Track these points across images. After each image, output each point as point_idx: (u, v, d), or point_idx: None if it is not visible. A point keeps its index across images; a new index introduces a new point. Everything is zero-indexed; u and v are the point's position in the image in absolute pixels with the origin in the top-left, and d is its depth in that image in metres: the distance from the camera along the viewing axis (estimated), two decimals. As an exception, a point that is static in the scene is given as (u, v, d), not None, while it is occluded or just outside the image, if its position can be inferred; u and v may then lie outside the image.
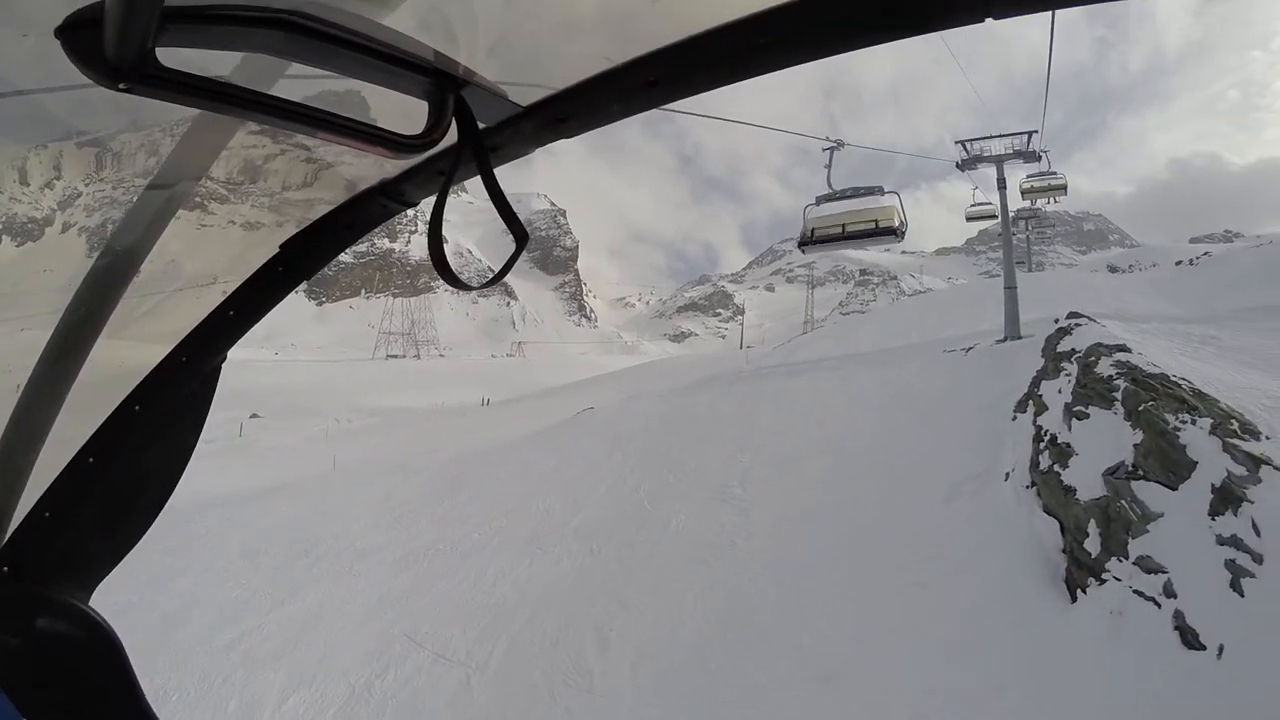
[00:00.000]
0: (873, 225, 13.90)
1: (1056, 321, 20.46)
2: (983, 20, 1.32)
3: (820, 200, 14.73)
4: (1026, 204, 40.63)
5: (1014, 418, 16.23)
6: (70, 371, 2.06)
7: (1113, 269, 71.80)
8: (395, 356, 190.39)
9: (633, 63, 1.61)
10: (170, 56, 1.13)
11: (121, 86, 1.09)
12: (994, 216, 29.44)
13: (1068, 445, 12.31)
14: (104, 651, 2.08)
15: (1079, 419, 12.66)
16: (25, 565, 2.02)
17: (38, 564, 2.04)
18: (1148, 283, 36.17)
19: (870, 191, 14.26)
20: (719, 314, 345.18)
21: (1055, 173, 35.69)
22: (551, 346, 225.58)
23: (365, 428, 63.03)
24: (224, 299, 2.17)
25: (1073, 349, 15.49)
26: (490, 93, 1.66)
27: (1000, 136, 28.28)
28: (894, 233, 13.86)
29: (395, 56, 1.46)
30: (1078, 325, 18.16)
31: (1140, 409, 10.31)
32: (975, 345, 24.16)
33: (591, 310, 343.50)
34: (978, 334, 27.68)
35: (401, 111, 1.57)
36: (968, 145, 28.75)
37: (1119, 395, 11.60)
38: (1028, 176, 35.40)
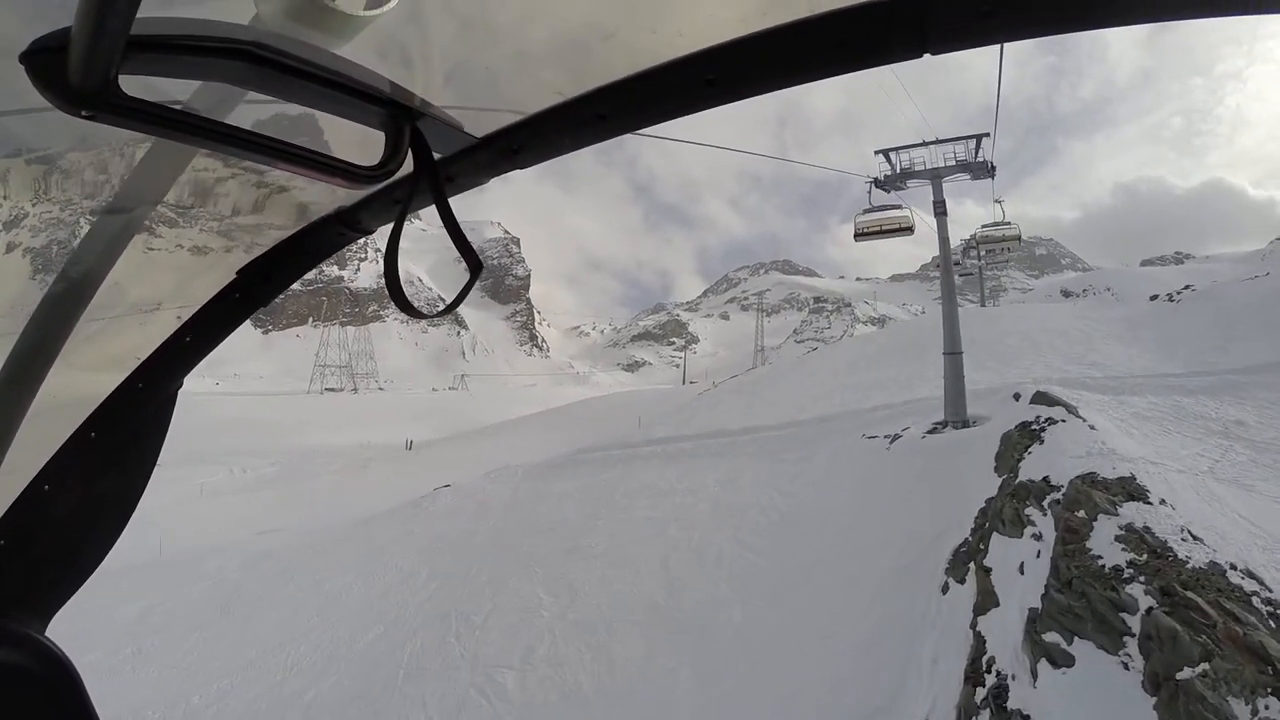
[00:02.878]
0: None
1: (1016, 399, 15.65)
2: (920, 56, 1.38)
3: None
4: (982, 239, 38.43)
5: (944, 588, 10.58)
6: (23, 400, 1.97)
7: (1066, 293, 69.85)
8: (333, 390, 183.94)
9: (584, 96, 1.65)
10: (130, 81, 1.13)
11: (84, 114, 1.10)
12: (900, 229, 21.79)
13: (1027, 721, 6.54)
14: (61, 682, 2.02)
15: (1055, 664, 6.86)
16: None
17: None
18: (1124, 324, 30.02)
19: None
20: (673, 343, 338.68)
21: (1009, 222, 34.63)
22: (494, 378, 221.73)
23: (256, 480, 59.28)
24: (180, 325, 2.18)
25: (1045, 479, 9.79)
26: (446, 124, 1.68)
27: (940, 143, 21.47)
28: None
29: (353, 88, 1.47)
30: (1050, 421, 11.93)
31: (1181, 682, 5.33)
32: (905, 430, 18.19)
33: (543, 340, 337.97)
34: (912, 404, 21.92)
35: (359, 140, 1.59)
36: (892, 156, 21.93)
37: (1136, 624, 6.32)
38: (982, 227, 34.00)
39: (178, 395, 2.21)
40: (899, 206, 21.38)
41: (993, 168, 21.10)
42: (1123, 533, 7.43)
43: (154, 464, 2.18)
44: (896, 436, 17.53)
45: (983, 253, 43.61)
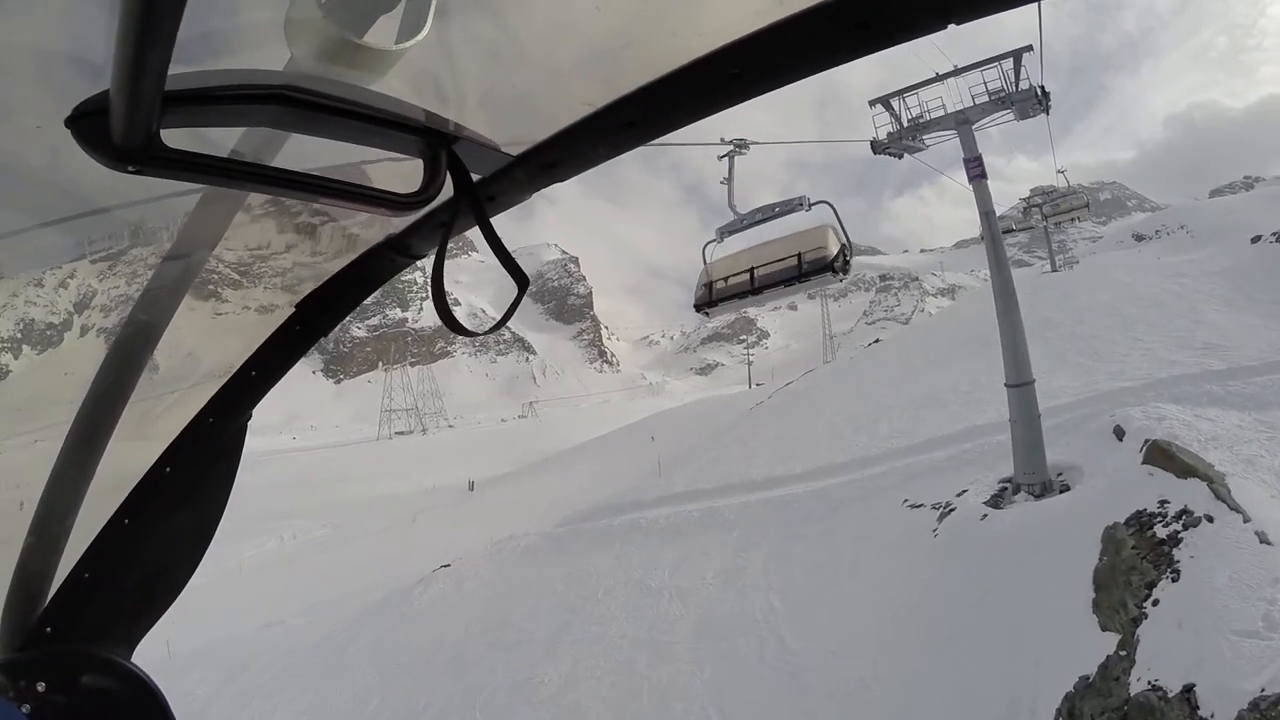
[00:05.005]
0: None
1: (1119, 437, 11.32)
2: (945, 27, 1.34)
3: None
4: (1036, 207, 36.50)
5: None
6: (100, 441, 2.02)
7: (1139, 237, 65.91)
8: (403, 433, 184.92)
9: (612, 105, 1.63)
10: (176, 135, 1.17)
11: (131, 169, 1.14)
12: (805, 277, 6.34)
13: None
14: (147, 704, 2.09)
15: None
16: (68, 625, 2.06)
17: (80, 623, 2.08)
18: (1228, 281, 24.37)
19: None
20: (743, 340, 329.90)
21: (1076, 191, 32.63)
22: (567, 400, 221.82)
23: (304, 546, 59.37)
24: (245, 360, 2.20)
25: (1187, 696, 5.33)
26: (481, 145, 1.70)
27: (962, 72, 14.99)
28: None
29: (387, 119, 1.49)
30: (1183, 520, 7.30)
31: None
32: (962, 495, 13.26)
33: (613, 355, 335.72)
34: (973, 438, 17.21)
35: (402, 168, 1.61)
36: (896, 104, 15.62)
37: None
38: (1039, 195, 29.47)
39: (247, 426, 2.23)
40: (799, 205, 7.10)
41: (1045, 96, 14.73)
42: None
43: (228, 494, 2.20)
44: (948, 509, 12.72)
45: (1049, 224, 38.73)
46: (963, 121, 14.52)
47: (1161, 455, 8.78)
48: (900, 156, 15.46)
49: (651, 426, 69.03)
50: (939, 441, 17.79)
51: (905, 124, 15.08)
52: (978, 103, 14.65)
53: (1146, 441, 9.49)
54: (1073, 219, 32.39)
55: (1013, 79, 14.50)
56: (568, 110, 1.65)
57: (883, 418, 22.46)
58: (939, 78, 14.89)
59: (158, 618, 2.14)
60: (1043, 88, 14.54)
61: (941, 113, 14.94)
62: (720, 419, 47.49)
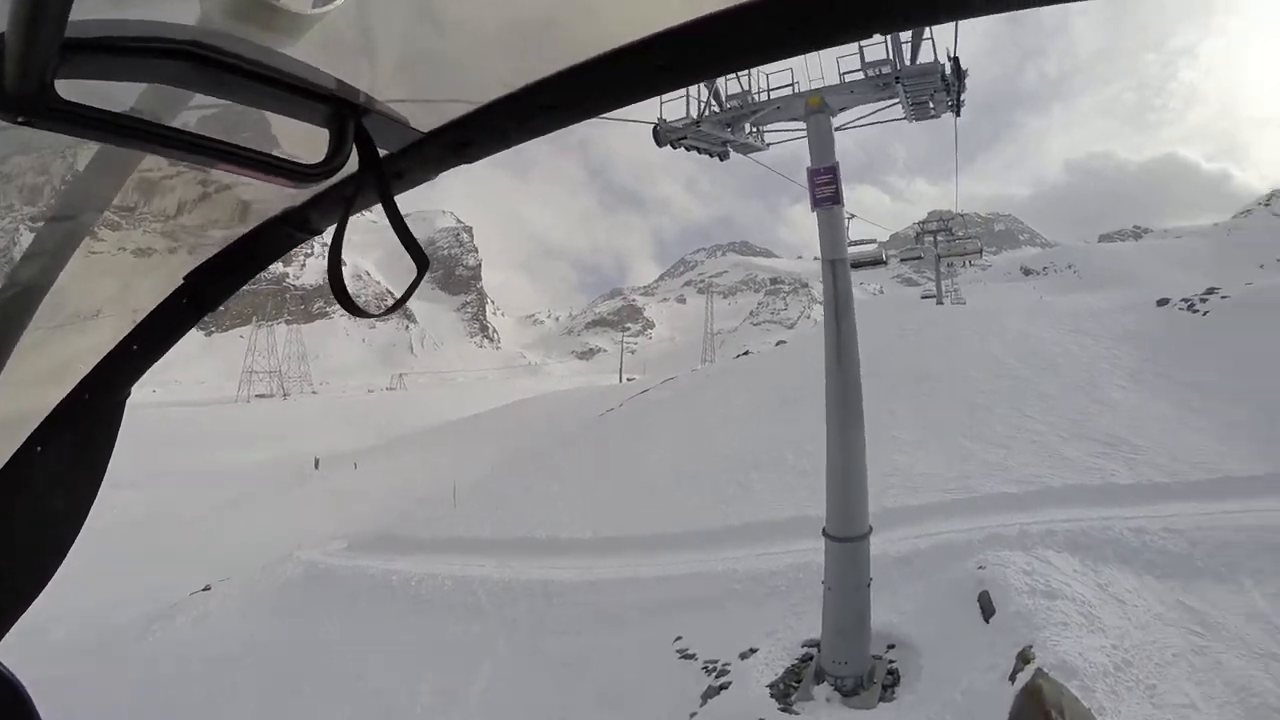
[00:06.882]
0: None
1: (985, 615, 7.96)
2: (869, 35, 1.34)
3: None
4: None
5: None
6: None
7: (1026, 271, 69.45)
8: (263, 396, 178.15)
9: (530, 87, 1.55)
10: (71, 85, 1.11)
11: (20, 120, 1.08)
12: None
13: None
14: (8, 702, 1.89)
15: None
16: None
17: None
18: (1134, 348, 21.25)
19: None
20: (628, 328, 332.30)
21: (972, 237, 33.22)
22: (442, 373, 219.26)
23: (115, 528, 53.28)
24: (127, 333, 2.06)
25: None
26: (391, 120, 1.61)
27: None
28: None
29: (296, 85, 1.41)
30: None
31: None
32: (747, 661, 9.60)
33: (495, 331, 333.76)
34: (802, 534, 13.02)
35: (308, 138, 1.51)
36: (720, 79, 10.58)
37: None
38: (935, 220, 29.94)
39: (125, 404, 2.09)
40: None
41: (958, 79, 9.81)
42: None
43: (103, 475, 2.05)
44: (721, 680, 9.02)
45: (941, 262, 37.34)
46: (815, 110, 9.44)
47: (1039, 714, 5.05)
48: (721, 156, 10.89)
49: (510, 414, 66.87)
50: (758, 530, 14.26)
51: (722, 105, 10.28)
52: (846, 80, 9.68)
53: (1021, 662, 5.80)
54: (965, 262, 32.15)
55: (907, 50, 9.48)
56: (483, 89, 1.54)
57: (709, 474, 18.67)
58: None
59: (24, 609, 1.90)
60: (956, 61, 9.61)
61: (790, 91, 9.92)
62: (570, 419, 45.71)
